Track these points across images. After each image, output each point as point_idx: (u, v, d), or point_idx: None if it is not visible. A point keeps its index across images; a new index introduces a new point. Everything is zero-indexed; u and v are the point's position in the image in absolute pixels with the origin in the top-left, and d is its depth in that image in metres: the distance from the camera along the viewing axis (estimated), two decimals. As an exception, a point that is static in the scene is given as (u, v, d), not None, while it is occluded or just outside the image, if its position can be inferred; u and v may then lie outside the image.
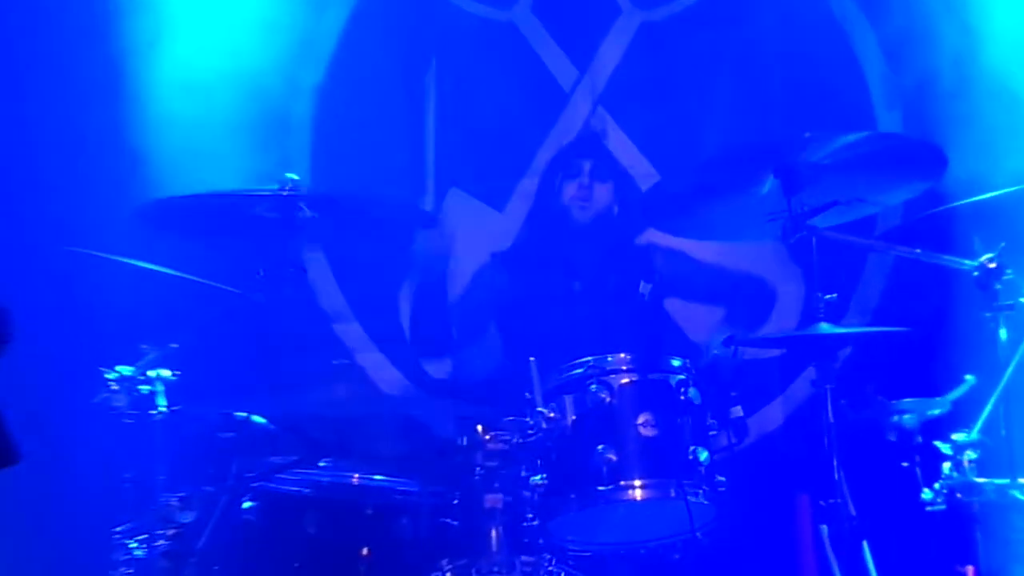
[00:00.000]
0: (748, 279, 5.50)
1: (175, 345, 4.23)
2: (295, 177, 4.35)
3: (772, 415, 5.42)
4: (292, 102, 5.52)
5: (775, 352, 5.30)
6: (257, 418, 4.17)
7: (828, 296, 4.10)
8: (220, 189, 4.45)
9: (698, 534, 4.04)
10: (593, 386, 4.06)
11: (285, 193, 4.27)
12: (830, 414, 4.01)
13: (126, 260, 4.35)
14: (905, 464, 4.08)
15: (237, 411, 4.16)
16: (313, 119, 5.56)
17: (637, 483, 4.00)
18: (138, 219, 4.43)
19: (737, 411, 4.14)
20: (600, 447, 4.01)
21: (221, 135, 5.12)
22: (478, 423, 4.00)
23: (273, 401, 4.18)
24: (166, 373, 4.17)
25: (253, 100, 5.25)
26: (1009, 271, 3.98)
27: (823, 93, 5.39)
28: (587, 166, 5.01)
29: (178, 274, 4.38)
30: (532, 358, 4.04)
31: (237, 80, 5.22)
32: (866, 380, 4.40)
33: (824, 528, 4.00)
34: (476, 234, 5.51)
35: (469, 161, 5.57)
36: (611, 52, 5.63)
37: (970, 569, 3.90)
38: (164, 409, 4.12)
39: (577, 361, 4.15)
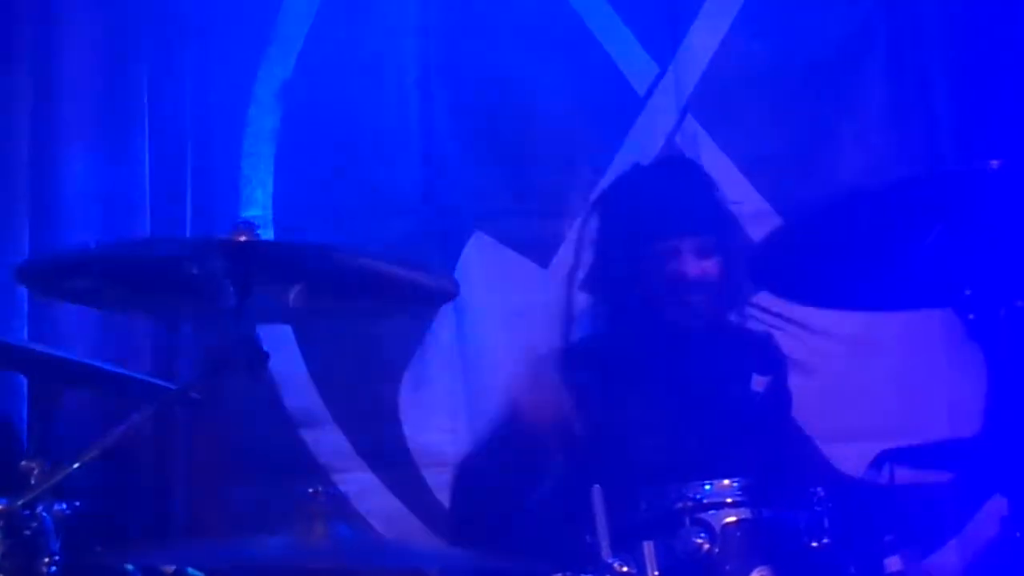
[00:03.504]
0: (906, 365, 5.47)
1: (76, 465, 4.10)
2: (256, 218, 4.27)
3: (945, 566, 5.39)
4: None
5: (946, 475, 5.24)
6: (194, 572, 4.13)
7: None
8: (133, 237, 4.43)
9: None
10: (685, 527, 4.06)
11: (241, 241, 4.18)
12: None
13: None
14: None
15: (164, 563, 4.12)
16: (276, 135, 5.56)
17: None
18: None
19: (894, 563, 4.12)
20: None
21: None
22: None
23: (216, 547, 4.10)
24: (59, 507, 4.10)
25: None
26: None
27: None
28: (687, 246, 4.83)
29: (81, 361, 4.33)
30: (596, 485, 4.02)
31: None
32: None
33: None
34: (509, 300, 5.48)
35: (500, 195, 5.56)
36: (703, 39, 5.61)
37: None
38: (55, 558, 4.03)
39: (662, 490, 4.13)
